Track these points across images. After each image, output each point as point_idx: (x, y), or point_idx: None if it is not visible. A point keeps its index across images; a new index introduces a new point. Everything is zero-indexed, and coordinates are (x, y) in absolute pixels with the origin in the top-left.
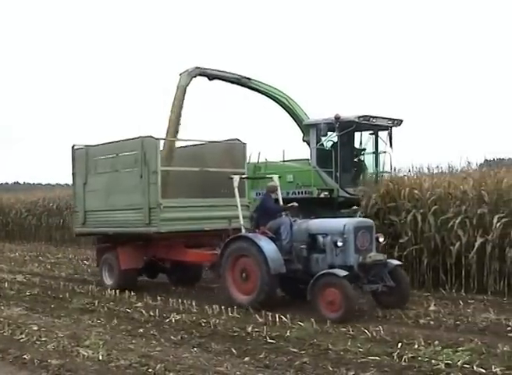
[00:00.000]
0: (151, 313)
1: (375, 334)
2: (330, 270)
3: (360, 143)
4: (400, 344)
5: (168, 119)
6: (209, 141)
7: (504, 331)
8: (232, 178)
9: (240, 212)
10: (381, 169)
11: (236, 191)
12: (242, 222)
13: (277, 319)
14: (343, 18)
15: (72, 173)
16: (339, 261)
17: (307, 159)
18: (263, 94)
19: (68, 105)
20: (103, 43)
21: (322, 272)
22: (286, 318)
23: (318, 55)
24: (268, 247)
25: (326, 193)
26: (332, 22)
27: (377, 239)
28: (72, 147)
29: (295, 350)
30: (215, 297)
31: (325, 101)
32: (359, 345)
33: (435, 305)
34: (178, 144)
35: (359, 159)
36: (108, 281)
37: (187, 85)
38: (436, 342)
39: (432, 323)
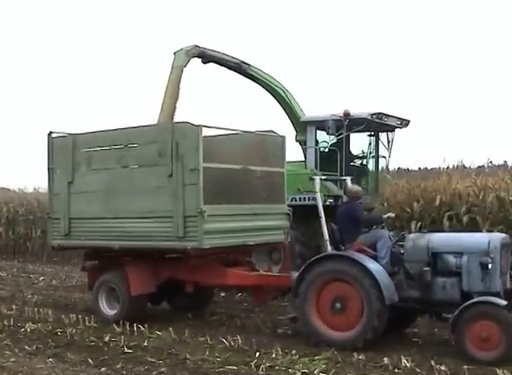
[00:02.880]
0: (5, 323)
1: (233, 344)
2: (484, 298)
3: (370, 144)
4: (257, 354)
5: (161, 104)
6: (239, 132)
7: None
8: (313, 179)
9: (323, 224)
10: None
11: (318, 196)
12: (326, 236)
13: (135, 329)
14: (344, 13)
15: (49, 169)
16: (481, 287)
17: (303, 161)
18: (260, 83)
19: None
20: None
21: (473, 300)
22: (144, 327)
23: (312, 48)
24: (376, 269)
25: (331, 200)
26: (330, 17)
27: None
28: (49, 134)
29: (153, 360)
30: (72, 306)
31: (313, 97)
32: (217, 355)
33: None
34: None
35: (361, 163)
36: (107, 311)
37: (185, 66)
38: (294, 351)
39: (289, 332)
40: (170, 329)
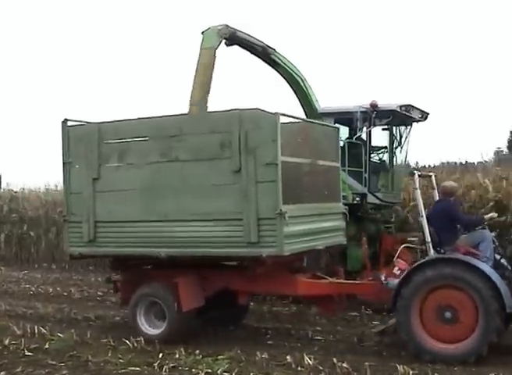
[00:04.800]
0: None
1: (136, 345)
2: None
3: (394, 137)
4: (161, 355)
5: (192, 91)
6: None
7: (264, 339)
8: (413, 174)
9: (424, 225)
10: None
11: (418, 193)
12: (429, 238)
13: (36, 331)
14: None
15: (65, 163)
16: None
17: None
18: (280, 69)
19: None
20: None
21: None
22: (46, 329)
23: (310, 41)
24: (493, 273)
25: (358, 199)
26: (332, 13)
27: None
28: (64, 122)
29: (54, 362)
30: None
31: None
32: (120, 356)
33: None
34: None
35: (380, 158)
36: (149, 330)
37: (217, 47)
38: (197, 351)
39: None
40: (72, 331)
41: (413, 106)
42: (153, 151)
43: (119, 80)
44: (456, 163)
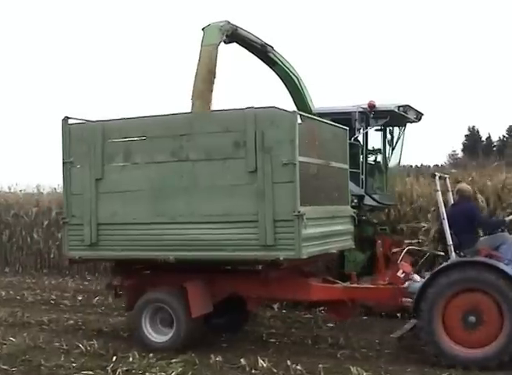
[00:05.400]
0: None
1: (89, 348)
2: None
3: (389, 141)
4: (114, 358)
5: (194, 90)
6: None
7: (218, 342)
8: (435, 176)
9: (445, 226)
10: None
11: (439, 194)
12: (450, 241)
13: None
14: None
15: (65, 163)
16: None
17: None
18: (277, 68)
19: None
20: None
21: None
22: None
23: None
24: None
25: (355, 200)
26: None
27: None
28: (65, 120)
29: (6, 367)
30: None
31: None
32: (72, 360)
33: None
34: None
35: (374, 159)
36: (156, 338)
37: (219, 44)
38: (151, 355)
39: None
40: (25, 335)
41: (410, 107)
42: (161, 150)
43: (119, 78)
44: (411, 166)
